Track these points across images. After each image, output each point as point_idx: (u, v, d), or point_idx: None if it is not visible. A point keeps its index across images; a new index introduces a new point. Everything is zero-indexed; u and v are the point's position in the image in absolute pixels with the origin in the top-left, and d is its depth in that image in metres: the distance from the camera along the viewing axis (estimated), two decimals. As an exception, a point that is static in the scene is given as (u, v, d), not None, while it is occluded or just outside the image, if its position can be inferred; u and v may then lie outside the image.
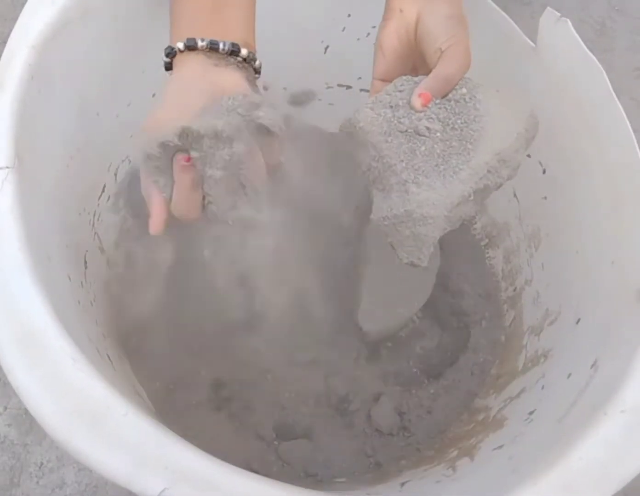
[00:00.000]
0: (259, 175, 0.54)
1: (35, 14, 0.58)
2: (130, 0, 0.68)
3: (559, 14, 0.65)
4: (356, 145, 0.59)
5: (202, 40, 0.54)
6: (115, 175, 0.76)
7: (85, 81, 0.65)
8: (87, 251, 0.68)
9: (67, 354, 0.43)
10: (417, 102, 0.56)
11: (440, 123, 0.56)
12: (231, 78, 0.56)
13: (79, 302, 0.59)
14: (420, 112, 0.56)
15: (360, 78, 0.88)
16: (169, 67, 0.57)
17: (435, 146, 0.56)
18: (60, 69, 0.60)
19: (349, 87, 0.90)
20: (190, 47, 0.55)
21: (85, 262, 0.67)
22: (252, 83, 0.58)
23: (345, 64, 0.87)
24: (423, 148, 0.56)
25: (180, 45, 0.55)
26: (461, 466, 0.64)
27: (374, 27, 0.81)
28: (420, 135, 0.56)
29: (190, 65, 0.55)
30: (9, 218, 0.47)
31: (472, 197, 0.56)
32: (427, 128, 0.56)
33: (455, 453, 0.68)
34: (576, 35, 0.64)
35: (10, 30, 0.57)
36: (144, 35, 0.71)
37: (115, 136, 0.74)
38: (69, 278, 0.58)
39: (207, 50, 0.55)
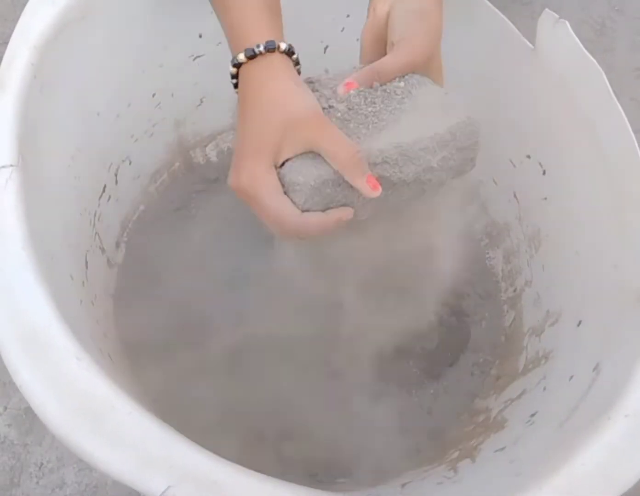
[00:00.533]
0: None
1: (36, 14, 0.58)
2: (131, 0, 0.68)
3: (557, 16, 0.65)
4: None
5: (284, 43, 0.55)
6: (116, 175, 0.76)
7: (86, 81, 0.65)
8: (87, 251, 0.68)
9: (71, 353, 0.43)
10: (341, 89, 0.57)
11: (346, 105, 0.57)
12: (305, 104, 0.55)
13: (81, 301, 0.59)
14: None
15: (359, 78, 0.88)
16: (238, 65, 0.57)
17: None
18: (61, 69, 0.60)
19: (348, 87, 0.89)
20: (270, 49, 0.55)
21: (86, 262, 0.67)
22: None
23: (345, 64, 0.87)
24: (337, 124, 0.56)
25: (261, 48, 0.54)
26: (462, 467, 0.64)
27: (373, 27, 0.82)
28: (324, 110, 0.57)
29: (280, 71, 0.55)
30: (13, 216, 0.47)
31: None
32: (330, 106, 0.57)
33: (456, 454, 0.68)
34: (575, 36, 0.64)
35: (11, 31, 0.57)
36: (144, 35, 0.71)
37: (116, 136, 0.74)
38: (71, 278, 0.58)
39: (284, 53, 0.56)
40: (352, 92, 0.57)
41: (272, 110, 0.54)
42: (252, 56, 0.55)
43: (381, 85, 0.58)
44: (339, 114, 0.56)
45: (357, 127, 0.56)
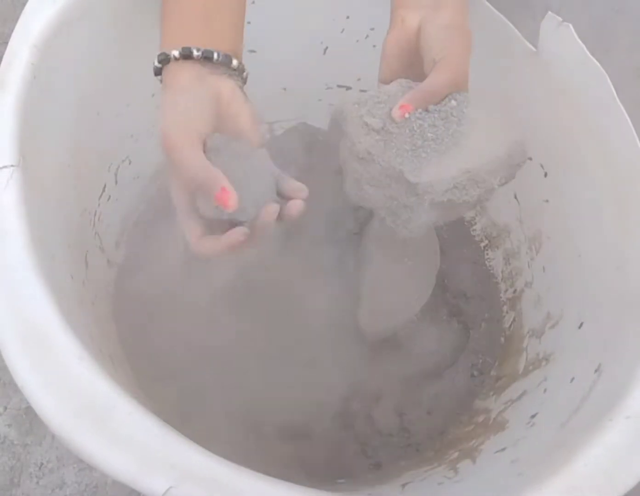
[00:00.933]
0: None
1: (36, 13, 0.58)
2: (131, 0, 0.68)
3: (560, 19, 0.65)
4: (340, 135, 0.60)
5: (198, 49, 0.55)
6: (116, 175, 0.76)
7: (86, 81, 0.65)
8: (87, 251, 0.68)
9: (73, 353, 0.43)
10: (396, 113, 0.56)
11: (407, 130, 0.56)
12: (227, 84, 0.57)
13: (81, 301, 0.59)
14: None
15: (359, 79, 0.88)
16: (158, 72, 0.58)
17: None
18: (61, 68, 0.60)
19: (348, 87, 0.90)
20: (186, 56, 0.55)
21: (87, 262, 0.67)
22: (242, 91, 0.59)
23: (345, 65, 0.87)
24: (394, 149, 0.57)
25: (175, 53, 0.55)
26: (463, 468, 0.64)
27: (372, 29, 0.82)
28: (378, 131, 0.57)
29: (186, 73, 0.56)
30: (14, 215, 0.47)
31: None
32: (386, 130, 0.57)
33: (456, 454, 0.68)
34: (578, 39, 0.64)
35: (11, 31, 0.57)
36: (144, 35, 0.71)
37: (116, 136, 0.74)
38: (72, 277, 0.58)
39: (202, 59, 0.56)
40: (409, 115, 0.56)
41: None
42: (166, 61, 0.56)
43: (435, 106, 0.57)
44: (397, 138, 0.56)
45: (417, 151, 0.56)
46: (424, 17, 0.59)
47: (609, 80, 0.62)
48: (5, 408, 0.89)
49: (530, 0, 0.76)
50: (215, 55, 0.56)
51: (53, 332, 0.43)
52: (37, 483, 0.84)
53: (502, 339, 0.84)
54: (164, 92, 0.57)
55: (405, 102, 0.56)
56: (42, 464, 0.85)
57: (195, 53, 0.55)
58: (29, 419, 0.87)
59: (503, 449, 0.61)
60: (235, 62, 0.58)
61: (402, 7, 0.61)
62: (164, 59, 0.56)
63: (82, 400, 0.41)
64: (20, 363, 0.42)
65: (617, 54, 1.12)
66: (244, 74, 0.60)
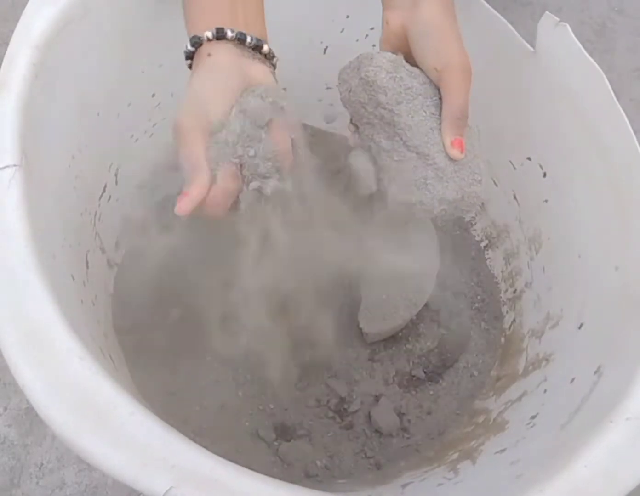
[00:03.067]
0: (288, 154, 0.57)
1: (37, 13, 0.58)
2: (131, 0, 0.68)
3: (557, 19, 0.65)
4: (357, 89, 0.60)
5: (232, 31, 0.55)
6: (116, 175, 0.76)
7: (86, 81, 0.65)
8: (88, 251, 0.68)
9: (74, 353, 0.43)
10: (455, 152, 0.58)
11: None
12: (260, 69, 0.57)
13: (82, 302, 0.59)
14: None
15: (360, 79, 0.88)
16: (189, 55, 0.58)
17: None
18: (61, 68, 0.60)
19: (349, 87, 0.90)
20: (219, 37, 0.55)
21: (87, 262, 0.67)
22: (274, 76, 0.59)
23: (345, 64, 0.87)
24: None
25: (209, 33, 0.55)
26: (463, 469, 0.64)
27: (372, 28, 0.82)
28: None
29: (221, 52, 0.56)
30: (16, 216, 0.47)
31: None
32: (436, 167, 0.58)
33: (455, 455, 0.68)
34: (576, 39, 0.64)
35: (11, 31, 0.57)
36: (144, 35, 0.71)
37: (116, 136, 0.74)
38: (73, 278, 0.58)
39: (235, 41, 0.56)
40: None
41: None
42: (198, 44, 0.56)
43: None
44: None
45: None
46: (404, 17, 0.60)
47: (606, 80, 0.62)
48: (6, 408, 0.89)
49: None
50: (249, 38, 0.56)
51: (54, 332, 0.43)
52: (37, 483, 0.84)
53: (502, 339, 0.84)
54: (195, 73, 0.57)
55: (459, 138, 0.57)
56: (42, 464, 0.85)
57: (229, 34, 0.55)
58: (29, 419, 0.87)
59: (503, 450, 0.61)
60: (266, 47, 0.57)
61: (385, 8, 0.62)
62: (197, 42, 0.56)
63: (84, 400, 0.41)
64: (21, 363, 0.42)
65: (617, 54, 1.13)
66: (274, 60, 0.60)
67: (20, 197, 0.48)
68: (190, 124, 0.54)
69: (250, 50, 0.57)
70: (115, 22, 0.67)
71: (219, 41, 0.55)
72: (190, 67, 0.58)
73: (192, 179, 0.53)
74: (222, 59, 0.55)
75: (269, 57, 0.59)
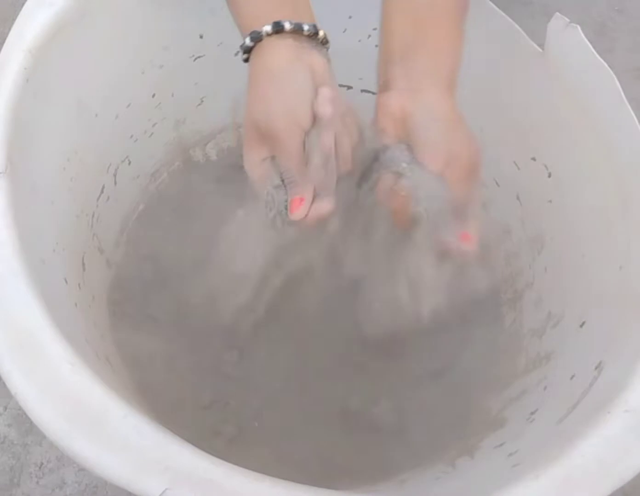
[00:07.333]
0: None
1: (32, 16, 0.58)
2: (128, 1, 0.68)
3: (568, 20, 0.65)
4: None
5: (290, 22, 0.55)
6: (115, 176, 0.76)
7: (84, 83, 0.65)
8: (85, 252, 0.68)
9: (64, 358, 0.43)
10: (471, 246, 0.59)
11: None
12: (319, 61, 0.57)
13: (76, 305, 0.59)
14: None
15: (361, 79, 0.88)
16: (247, 50, 0.58)
17: None
18: (58, 71, 0.60)
19: (349, 87, 0.89)
20: (278, 30, 0.55)
21: (83, 264, 0.67)
22: (331, 67, 0.59)
23: (346, 64, 0.86)
24: None
25: (267, 28, 0.55)
26: (461, 464, 0.64)
27: (374, 29, 0.82)
28: None
29: (282, 50, 0.56)
30: (2, 223, 0.47)
31: None
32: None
33: (454, 452, 0.68)
34: (586, 41, 0.63)
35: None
36: (142, 36, 0.71)
37: (115, 137, 0.74)
38: (65, 281, 0.58)
39: (293, 32, 0.56)
40: None
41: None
42: (258, 39, 0.56)
43: None
44: None
45: None
46: (405, 100, 0.58)
47: (617, 82, 0.61)
48: (5, 408, 0.89)
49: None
50: (306, 27, 0.56)
51: (44, 339, 0.44)
52: (37, 483, 0.84)
53: (503, 338, 0.84)
54: (258, 71, 0.57)
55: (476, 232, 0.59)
56: (42, 464, 0.86)
57: (287, 26, 0.55)
58: (29, 419, 0.86)
59: (501, 444, 0.61)
60: (322, 33, 0.58)
61: (381, 91, 0.61)
62: (256, 37, 0.56)
63: (75, 405, 0.41)
64: (12, 370, 0.42)
65: (617, 54, 1.12)
66: (327, 45, 0.60)
67: (6, 204, 0.48)
68: (287, 126, 0.54)
69: (308, 39, 0.57)
70: (115, 22, 0.67)
71: (278, 35, 0.55)
72: (246, 60, 0.58)
73: (300, 183, 0.55)
74: (281, 57, 0.55)
75: (324, 42, 0.59)
